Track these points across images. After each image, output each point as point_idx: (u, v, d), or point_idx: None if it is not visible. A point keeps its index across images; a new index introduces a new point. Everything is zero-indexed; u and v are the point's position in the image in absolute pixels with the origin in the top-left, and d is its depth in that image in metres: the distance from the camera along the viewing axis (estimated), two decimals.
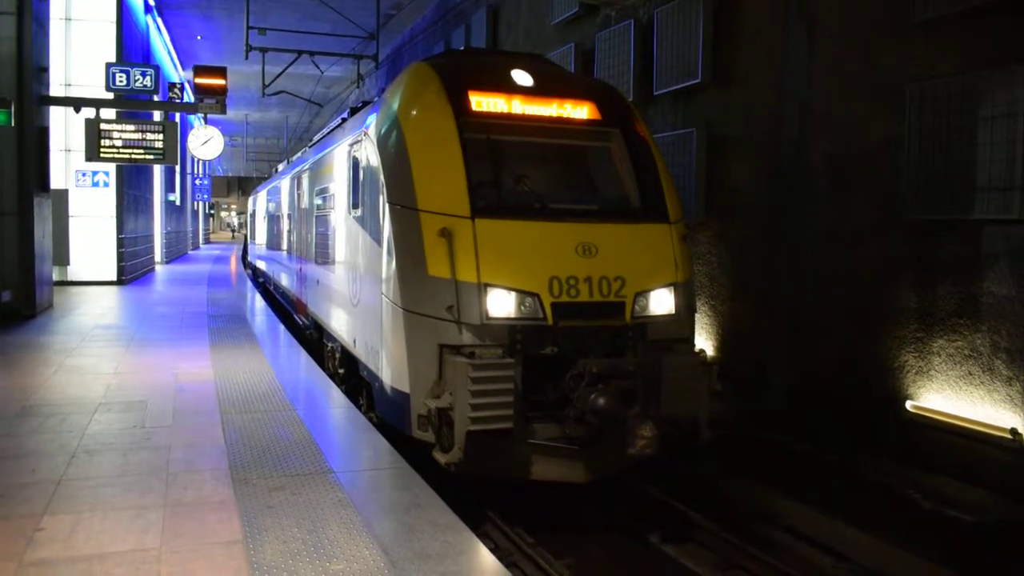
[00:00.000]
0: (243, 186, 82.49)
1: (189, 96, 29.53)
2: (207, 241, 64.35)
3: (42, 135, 14.71)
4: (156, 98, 17.32)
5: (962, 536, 6.95)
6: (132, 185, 22.50)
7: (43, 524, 4.82)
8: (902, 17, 8.32)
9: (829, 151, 9.33)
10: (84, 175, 20.06)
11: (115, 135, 15.16)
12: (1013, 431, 7.21)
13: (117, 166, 19.95)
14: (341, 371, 10.01)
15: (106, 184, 20.35)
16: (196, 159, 42.25)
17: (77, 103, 15.10)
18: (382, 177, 7.49)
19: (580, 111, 7.98)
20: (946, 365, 7.95)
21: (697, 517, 7.64)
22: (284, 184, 17.68)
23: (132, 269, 22.16)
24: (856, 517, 7.18)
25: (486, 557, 4.60)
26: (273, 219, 20.29)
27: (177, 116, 27.05)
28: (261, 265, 24.42)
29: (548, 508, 7.83)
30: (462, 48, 11.00)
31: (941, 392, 7.99)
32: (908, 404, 8.28)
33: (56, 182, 17.56)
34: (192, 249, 46.79)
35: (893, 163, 8.43)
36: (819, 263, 9.42)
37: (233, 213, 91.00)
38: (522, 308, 6.78)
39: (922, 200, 8.06)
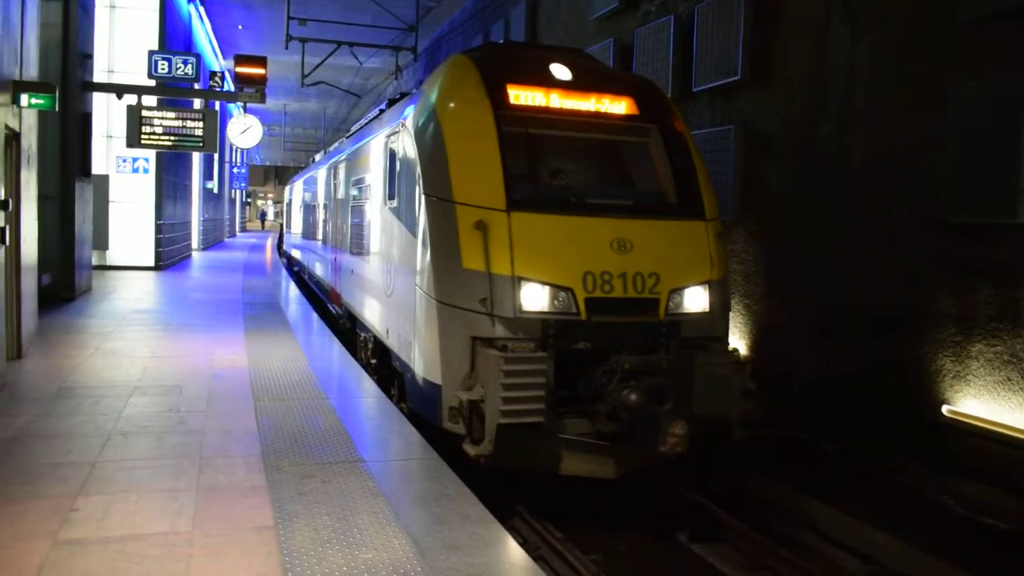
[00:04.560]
0: (280, 175, 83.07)
1: (229, 85, 29.79)
2: (243, 229, 64.91)
3: (85, 121, 14.94)
4: (197, 86, 17.49)
5: (995, 544, 6.84)
6: (171, 172, 22.77)
7: (78, 504, 4.89)
8: (946, 16, 8.18)
9: (868, 150, 9.21)
10: (125, 161, 20.34)
11: (156, 122, 15.34)
12: None
13: (157, 153, 20.21)
14: (373, 361, 10.05)
15: (146, 170, 20.63)
16: (234, 147, 42.63)
17: (119, 90, 15.29)
18: (419, 169, 7.50)
19: (618, 106, 7.94)
20: (984, 370, 7.83)
21: (726, 516, 7.60)
22: (320, 174, 17.78)
23: (169, 255, 22.43)
24: (886, 521, 7.09)
25: (514, 550, 4.60)
26: (309, 209, 20.43)
27: (217, 104, 27.31)
28: (296, 254, 24.60)
29: (577, 503, 7.82)
30: (501, 41, 10.97)
31: (978, 397, 7.87)
32: (944, 408, 8.16)
33: (97, 167, 17.84)
34: (228, 237, 47.25)
35: (933, 164, 8.30)
36: (856, 264, 9.30)
37: (270, 201, 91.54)
38: (555, 302, 6.77)
39: (962, 202, 7.93)
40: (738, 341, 11.14)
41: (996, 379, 7.71)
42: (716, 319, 7.42)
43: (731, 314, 10.34)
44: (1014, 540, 6.89)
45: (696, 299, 7.27)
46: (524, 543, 6.66)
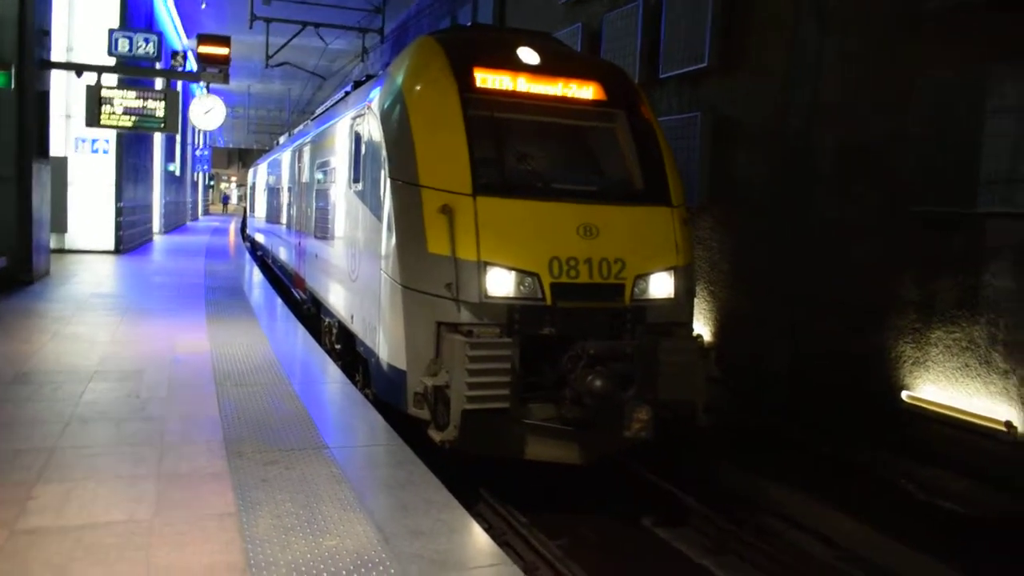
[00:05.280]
0: (243, 158, 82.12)
1: (192, 64, 29.34)
2: (206, 212, 64.13)
3: (42, 100, 14.60)
4: (159, 66, 17.19)
5: (954, 527, 6.96)
6: (132, 153, 22.36)
7: (35, 492, 4.80)
8: (913, 8, 8.25)
9: (835, 140, 9.28)
10: (84, 142, 19.92)
11: (116, 102, 15.07)
12: (1008, 424, 7.21)
13: (117, 134, 19.82)
14: (338, 347, 9.99)
15: (106, 152, 20.22)
16: (197, 129, 42.05)
17: (78, 68, 14.99)
18: (384, 152, 7.44)
19: (585, 91, 7.92)
20: (943, 356, 7.94)
21: (691, 502, 7.65)
22: (285, 157, 17.59)
23: (130, 239, 22.07)
24: (848, 506, 7.19)
25: (479, 535, 4.59)
26: (273, 192, 20.22)
27: (179, 85, 26.90)
28: (260, 238, 24.36)
29: (542, 489, 7.83)
30: (468, 24, 10.90)
31: (937, 383, 7.99)
32: (904, 394, 8.28)
33: (56, 148, 17.46)
34: (191, 220, 46.66)
35: (899, 154, 8.38)
36: (820, 252, 9.39)
37: (233, 184, 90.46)
38: (521, 288, 6.75)
39: (926, 192, 8.02)
40: (703, 328, 11.21)
41: (955, 365, 7.82)
42: (681, 305, 7.44)
43: (696, 301, 10.40)
44: (972, 524, 7.01)
45: (661, 285, 7.29)
46: (489, 529, 6.66)
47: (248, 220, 33.27)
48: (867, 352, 8.71)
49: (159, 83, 20.75)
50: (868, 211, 8.78)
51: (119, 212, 20.54)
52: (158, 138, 28.87)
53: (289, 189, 16.35)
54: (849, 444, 8.63)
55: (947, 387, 7.90)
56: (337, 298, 9.91)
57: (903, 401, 8.27)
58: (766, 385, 10.10)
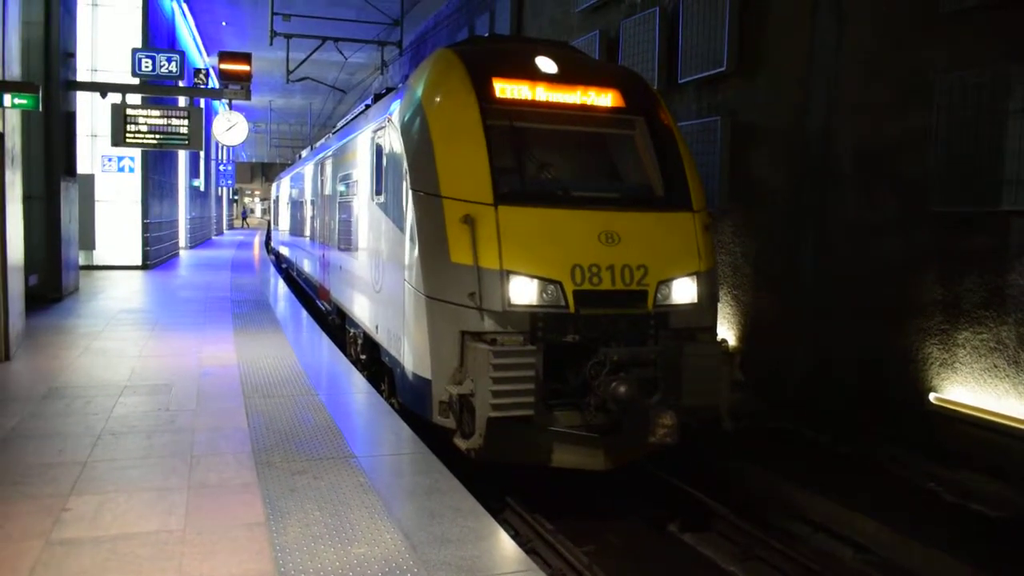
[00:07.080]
0: (266, 172, 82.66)
1: (214, 82, 29.66)
2: (230, 227, 64.63)
3: (69, 120, 14.84)
4: (181, 84, 17.40)
5: (984, 530, 6.89)
6: (157, 170, 22.64)
7: (69, 504, 4.88)
8: (932, 7, 8.22)
9: (855, 142, 9.25)
10: (110, 160, 20.21)
11: (141, 120, 15.25)
12: None
13: (142, 151, 20.10)
14: (363, 357, 10.05)
15: (131, 169, 20.51)
16: (220, 145, 42.48)
17: (103, 88, 15.20)
18: (405, 163, 7.50)
19: (604, 98, 7.95)
20: (971, 357, 7.88)
21: (718, 507, 7.63)
22: (307, 170, 17.74)
23: (157, 254, 22.33)
24: (876, 510, 7.14)
25: (506, 542, 4.62)
26: (296, 205, 20.38)
27: (202, 102, 27.16)
28: (284, 251, 24.55)
29: (568, 495, 7.84)
30: (486, 35, 10.96)
31: (965, 384, 7.93)
32: (931, 396, 8.22)
33: (82, 167, 17.74)
34: (216, 235, 47.08)
35: (920, 154, 8.34)
36: (843, 254, 9.35)
37: (256, 198, 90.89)
38: (544, 296, 6.78)
39: (949, 192, 7.98)
40: (727, 332, 11.18)
41: (982, 366, 7.76)
42: (704, 310, 7.44)
43: (719, 305, 10.38)
44: (1003, 526, 6.94)
45: (684, 290, 7.29)
46: (516, 536, 6.68)
47: (272, 233, 33.56)
48: (893, 354, 8.66)
49: (182, 101, 20.96)
50: (890, 212, 8.74)
51: (145, 228, 20.79)
52: (182, 155, 29.22)
53: (312, 202, 16.48)
54: (874, 446, 8.57)
55: (975, 388, 7.83)
56: (362, 309, 9.99)
57: (930, 403, 8.21)
58: (790, 388, 10.05)
